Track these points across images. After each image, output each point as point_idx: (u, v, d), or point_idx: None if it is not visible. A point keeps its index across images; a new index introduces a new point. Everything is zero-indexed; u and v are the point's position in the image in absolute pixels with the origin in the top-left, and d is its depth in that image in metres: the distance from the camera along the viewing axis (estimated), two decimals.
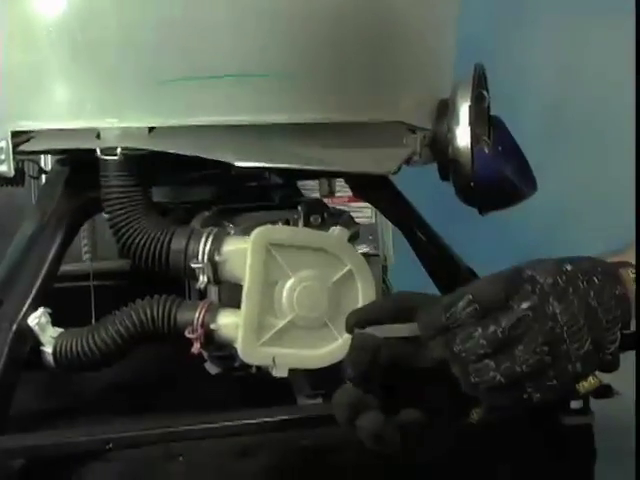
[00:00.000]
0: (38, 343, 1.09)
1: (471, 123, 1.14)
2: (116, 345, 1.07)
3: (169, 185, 1.24)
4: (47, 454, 1.02)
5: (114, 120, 1.06)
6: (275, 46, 1.05)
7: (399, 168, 1.13)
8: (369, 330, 0.83)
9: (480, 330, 0.77)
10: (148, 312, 1.07)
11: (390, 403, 0.81)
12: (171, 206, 1.24)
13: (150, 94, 1.05)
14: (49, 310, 1.10)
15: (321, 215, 1.14)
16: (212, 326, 1.05)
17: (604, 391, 1.14)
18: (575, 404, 1.13)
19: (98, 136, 1.07)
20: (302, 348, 1.05)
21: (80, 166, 1.15)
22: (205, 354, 1.09)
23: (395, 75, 1.13)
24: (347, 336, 1.02)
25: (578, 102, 2.02)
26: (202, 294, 1.12)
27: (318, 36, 1.07)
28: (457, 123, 1.15)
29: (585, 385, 0.79)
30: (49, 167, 1.28)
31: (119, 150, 1.06)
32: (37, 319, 1.09)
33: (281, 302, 1.05)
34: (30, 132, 1.10)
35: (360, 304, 1.06)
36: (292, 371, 1.05)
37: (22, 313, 1.09)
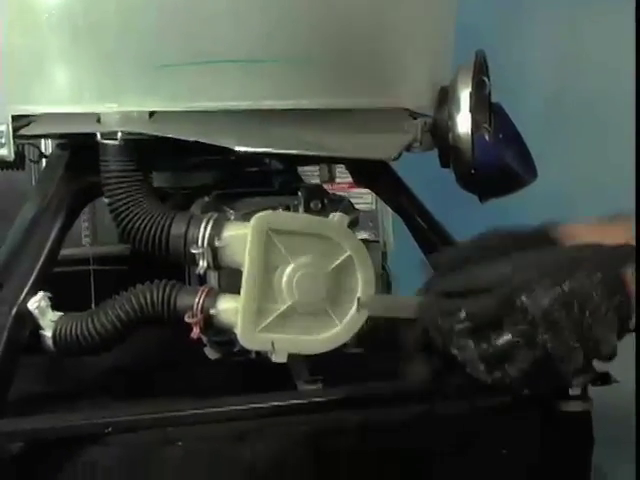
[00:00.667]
0: (38, 327, 1.09)
1: (472, 110, 1.14)
2: (115, 329, 1.07)
3: (169, 170, 1.24)
4: (46, 437, 1.03)
5: (114, 104, 1.06)
6: (276, 32, 1.05)
7: (400, 154, 1.13)
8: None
9: (473, 345, 0.82)
10: (148, 297, 1.07)
11: None
12: (171, 191, 1.24)
13: (150, 79, 1.05)
14: (49, 294, 1.10)
15: (321, 201, 1.14)
16: (212, 311, 1.05)
17: (602, 378, 1.14)
18: (574, 391, 1.14)
19: (98, 120, 1.07)
20: (301, 334, 1.05)
21: (80, 150, 1.15)
22: (204, 339, 1.09)
23: (396, 62, 1.13)
24: (346, 321, 1.03)
25: (578, 90, 2.01)
26: (202, 279, 1.12)
27: (320, 23, 1.07)
28: (458, 110, 1.15)
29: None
30: (49, 151, 1.28)
31: (119, 135, 1.06)
32: (37, 303, 1.09)
33: (280, 288, 1.05)
34: (30, 116, 1.10)
35: (359, 290, 1.06)
36: (291, 356, 1.05)
37: (22, 297, 1.09)
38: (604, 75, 1.98)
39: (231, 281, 1.08)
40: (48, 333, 1.09)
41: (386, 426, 1.09)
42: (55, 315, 1.10)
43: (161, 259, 1.09)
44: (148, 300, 1.07)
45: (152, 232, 1.07)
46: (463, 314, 0.82)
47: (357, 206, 1.21)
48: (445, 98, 1.17)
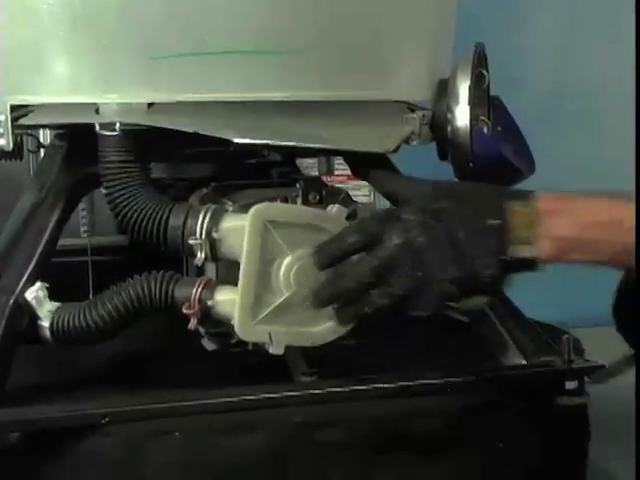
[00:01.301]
0: (35, 317, 1.09)
1: (470, 103, 1.14)
2: (113, 320, 1.07)
3: (168, 161, 1.24)
4: (44, 427, 1.02)
5: (113, 95, 1.06)
6: (275, 24, 1.05)
7: (398, 147, 1.14)
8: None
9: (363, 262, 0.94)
10: (145, 288, 1.07)
11: None
12: (170, 182, 1.24)
13: (149, 70, 1.05)
14: (47, 284, 1.10)
15: (319, 193, 1.14)
16: (209, 303, 1.05)
17: (599, 373, 1.15)
18: (570, 385, 1.14)
19: (97, 111, 1.07)
20: (298, 326, 1.05)
21: (79, 141, 1.15)
22: (202, 330, 1.09)
23: (395, 54, 1.14)
24: None
25: (577, 83, 2.02)
26: (200, 270, 1.12)
27: (318, 15, 1.07)
28: (456, 103, 1.15)
29: (468, 302, 0.96)
30: (48, 141, 1.28)
31: (118, 125, 1.06)
32: (34, 293, 1.09)
33: (278, 280, 1.05)
34: (29, 106, 1.10)
35: None
36: (288, 348, 1.06)
37: (20, 287, 1.09)
38: (603, 68, 1.99)
39: (229, 272, 1.08)
40: (45, 323, 1.08)
41: (382, 419, 1.09)
42: (53, 305, 1.09)
43: (159, 250, 1.09)
44: (146, 291, 1.07)
45: (150, 223, 1.07)
46: (352, 229, 0.97)
47: (355, 198, 1.21)
48: (444, 91, 1.17)
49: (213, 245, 1.06)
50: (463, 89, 1.15)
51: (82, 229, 1.42)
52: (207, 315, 1.05)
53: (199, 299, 1.05)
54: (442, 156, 1.19)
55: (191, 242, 1.06)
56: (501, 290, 0.96)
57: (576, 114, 1.98)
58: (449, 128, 1.15)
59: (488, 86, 1.19)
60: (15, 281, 1.09)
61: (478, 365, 1.15)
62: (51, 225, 1.14)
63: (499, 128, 1.18)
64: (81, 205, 1.37)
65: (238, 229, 1.05)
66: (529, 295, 1.15)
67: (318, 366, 1.12)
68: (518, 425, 1.13)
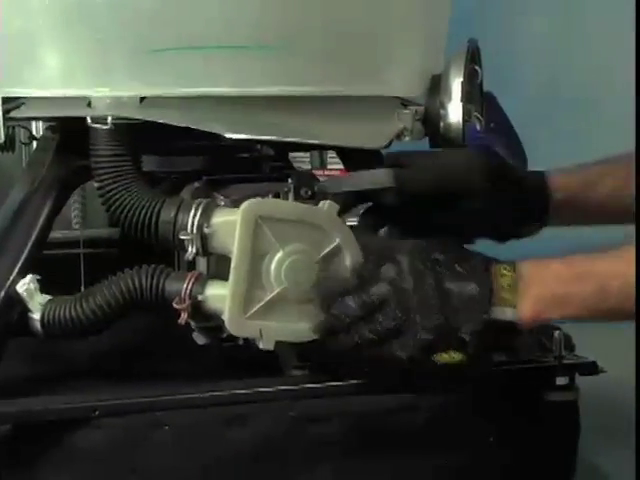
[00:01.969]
0: (26, 310, 1.09)
1: (463, 99, 1.14)
2: (104, 314, 1.07)
3: (159, 154, 1.24)
4: (34, 420, 1.03)
5: (105, 89, 1.05)
6: (266, 18, 1.05)
7: (390, 143, 1.14)
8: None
9: (355, 299, 1.00)
10: (136, 282, 1.07)
11: None
12: (162, 175, 1.24)
13: (142, 63, 1.04)
14: (38, 277, 1.10)
15: (311, 188, 1.13)
16: (200, 297, 1.05)
17: (590, 368, 1.15)
18: (561, 380, 1.14)
19: (89, 104, 1.07)
20: (289, 321, 1.05)
21: (71, 133, 1.15)
22: (193, 324, 1.09)
23: (387, 49, 1.13)
24: None
25: (571, 80, 2.02)
26: (191, 264, 1.12)
27: (309, 9, 1.06)
28: (449, 99, 1.15)
29: (444, 357, 1.01)
30: (40, 133, 1.28)
31: (109, 119, 1.06)
32: (26, 285, 1.09)
33: (269, 275, 1.05)
34: (21, 98, 1.10)
35: None
36: (279, 343, 1.06)
37: (11, 279, 1.09)
38: (598, 65, 1.98)
39: (220, 267, 1.08)
40: (36, 316, 1.08)
41: (373, 414, 1.09)
42: (44, 298, 1.09)
43: (151, 244, 1.09)
44: (136, 285, 1.07)
45: (141, 217, 1.07)
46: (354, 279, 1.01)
47: None
48: (437, 87, 1.16)
49: (204, 240, 1.06)
50: (456, 85, 1.14)
51: (74, 221, 1.42)
52: (198, 310, 1.05)
53: (189, 294, 1.05)
54: None
55: (182, 237, 1.05)
56: (479, 349, 1.00)
57: (569, 111, 1.98)
58: (442, 124, 1.15)
59: (481, 82, 1.19)
60: (6, 273, 1.09)
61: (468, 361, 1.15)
62: (43, 217, 1.13)
63: (492, 124, 1.18)
64: (73, 197, 1.37)
65: (229, 224, 1.04)
66: None
67: (310, 360, 1.13)
68: (508, 420, 1.14)
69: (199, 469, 1.06)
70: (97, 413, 1.03)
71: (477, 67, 1.18)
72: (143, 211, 1.07)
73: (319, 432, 1.08)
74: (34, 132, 1.26)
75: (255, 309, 1.04)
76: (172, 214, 1.06)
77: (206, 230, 1.05)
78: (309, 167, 1.38)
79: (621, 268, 0.99)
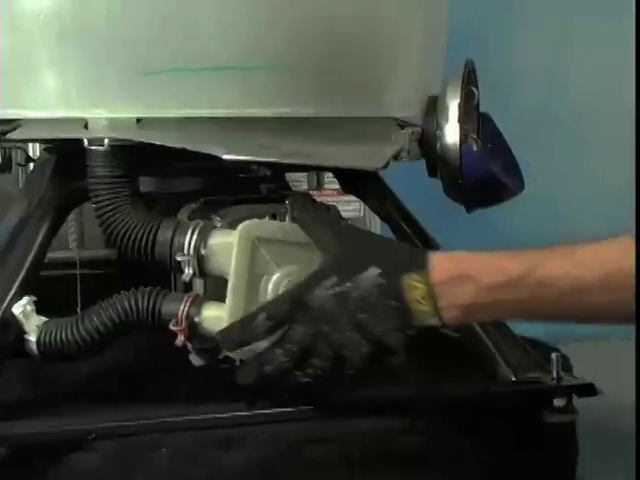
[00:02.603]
0: (22, 331, 1.08)
1: (460, 120, 1.14)
2: (100, 336, 1.07)
3: (156, 176, 1.24)
4: (29, 443, 1.02)
5: (102, 110, 1.06)
6: (264, 41, 1.05)
7: (387, 164, 1.14)
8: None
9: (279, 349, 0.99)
10: (133, 303, 1.07)
11: None
12: (158, 197, 1.24)
13: (138, 85, 1.05)
14: (34, 298, 1.10)
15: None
16: (196, 319, 1.05)
17: (587, 390, 1.15)
18: (559, 402, 1.14)
19: (86, 126, 1.07)
20: None
21: (68, 154, 1.15)
22: (189, 346, 1.08)
23: (384, 71, 1.14)
24: None
25: (567, 100, 2.02)
26: (188, 285, 1.11)
27: (306, 31, 1.07)
28: (446, 120, 1.15)
29: None
30: (37, 154, 1.28)
31: (106, 141, 1.06)
32: (22, 307, 1.08)
33: (266, 296, 1.05)
34: (18, 120, 1.10)
35: None
36: None
37: (7, 301, 1.08)
38: (594, 84, 1.99)
39: (217, 288, 1.08)
40: (32, 338, 1.08)
41: (369, 435, 1.09)
42: (40, 320, 1.09)
43: (147, 265, 1.08)
44: (133, 307, 1.07)
45: (138, 238, 1.07)
46: (263, 315, 0.99)
47: (345, 213, 1.21)
48: (433, 108, 1.17)
49: (201, 261, 1.06)
50: (453, 106, 1.15)
51: (71, 242, 1.42)
52: (194, 331, 1.05)
53: (186, 315, 1.05)
54: (431, 173, 1.19)
55: (179, 258, 1.05)
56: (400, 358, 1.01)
57: (566, 131, 1.99)
58: (438, 145, 1.15)
59: (478, 103, 1.19)
60: (2, 295, 1.09)
61: (466, 381, 1.15)
62: (39, 238, 1.13)
63: (489, 145, 1.18)
64: (70, 218, 1.37)
65: (226, 246, 1.05)
66: None
67: None
68: (506, 442, 1.13)
69: None
70: (93, 436, 1.03)
71: (474, 88, 1.18)
72: (140, 232, 1.07)
73: (316, 454, 1.08)
74: (31, 154, 1.26)
75: None
76: (169, 235, 1.07)
77: (203, 251, 1.05)
78: (306, 188, 1.38)
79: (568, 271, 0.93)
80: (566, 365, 1.17)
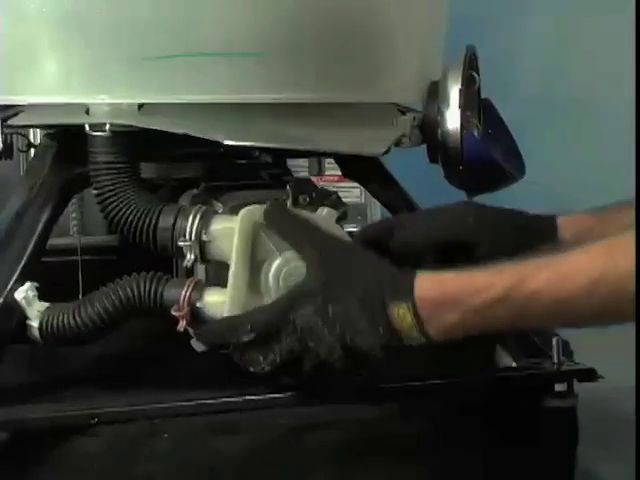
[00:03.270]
0: (24, 317, 1.09)
1: (461, 106, 1.14)
2: (102, 321, 1.07)
3: (158, 161, 1.24)
4: (32, 428, 1.03)
5: (103, 96, 1.06)
6: (265, 25, 1.05)
7: (388, 150, 1.14)
8: None
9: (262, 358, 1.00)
10: (135, 289, 1.07)
11: None
12: (160, 182, 1.24)
13: (140, 70, 1.05)
14: (36, 284, 1.10)
15: (309, 195, 1.13)
16: (198, 304, 1.05)
17: (588, 375, 1.15)
18: (559, 387, 1.14)
19: (87, 112, 1.07)
20: None
21: (69, 140, 1.15)
22: (191, 331, 1.09)
23: (385, 56, 1.13)
24: None
25: (568, 85, 2.02)
26: (189, 271, 1.12)
27: (307, 17, 1.06)
28: (447, 106, 1.15)
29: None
30: (38, 140, 1.28)
31: (108, 126, 1.06)
32: (24, 293, 1.09)
33: (267, 282, 1.05)
34: (19, 106, 1.10)
35: None
36: None
37: (9, 287, 1.09)
38: (594, 70, 1.99)
39: (218, 274, 1.08)
40: (35, 323, 1.08)
41: (369, 421, 1.09)
42: (42, 305, 1.09)
43: (149, 250, 1.09)
44: (135, 292, 1.07)
45: (140, 224, 1.07)
46: (247, 327, 0.99)
47: (346, 199, 1.20)
48: (435, 93, 1.16)
49: (202, 247, 1.06)
50: (454, 92, 1.14)
51: (72, 228, 1.42)
52: (196, 316, 1.05)
53: (188, 301, 1.05)
54: (432, 159, 1.19)
55: (180, 244, 1.06)
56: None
57: (567, 117, 1.99)
58: (439, 131, 1.15)
59: (479, 89, 1.19)
60: (4, 281, 1.09)
61: (466, 367, 1.15)
62: (41, 225, 1.13)
63: (490, 131, 1.18)
64: (71, 204, 1.37)
65: (228, 231, 1.05)
66: None
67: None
68: (506, 427, 1.14)
69: (196, 477, 1.06)
70: (95, 421, 1.03)
71: (475, 74, 1.18)
72: (141, 218, 1.07)
73: (315, 440, 1.08)
74: (32, 139, 1.26)
75: None
76: (170, 221, 1.07)
77: (204, 237, 1.05)
78: (307, 174, 1.37)
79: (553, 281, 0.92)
80: (567, 350, 1.17)
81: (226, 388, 1.09)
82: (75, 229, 1.41)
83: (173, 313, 1.05)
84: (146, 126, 1.05)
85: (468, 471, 1.12)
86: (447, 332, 0.96)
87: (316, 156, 1.31)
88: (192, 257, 1.06)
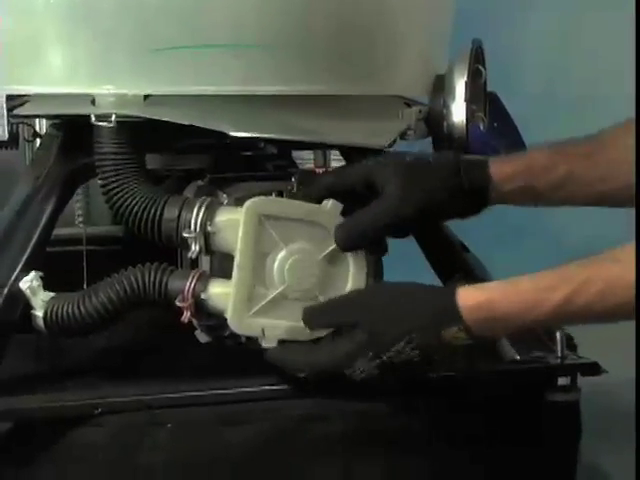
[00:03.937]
0: (29, 307, 1.09)
1: (467, 99, 1.14)
2: (106, 311, 1.07)
3: (163, 153, 1.24)
4: (35, 417, 1.03)
5: (109, 86, 1.06)
6: (270, 16, 1.05)
7: (393, 142, 1.13)
8: None
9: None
10: (139, 279, 1.07)
11: None
12: (165, 173, 1.24)
13: (146, 61, 1.05)
14: (41, 274, 1.10)
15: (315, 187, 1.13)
16: (203, 295, 1.05)
17: (591, 369, 1.15)
18: (563, 381, 1.14)
19: (93, 102, 1.07)
20: (292, 320, 1.06)
21: (75, 131, 1.15)
22: (195, 323, 1.09)
23: (391, 48, 1.13)
24: None
25: (573, 80, 2.02)
26: (194, 262, 1.12)
27: (315, 9, 1.06)
28: (453, 99, 1.15)
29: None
30: (44, 130, 1.28)
31: (114, 117, 1.06)
32: (29, 283, 1.09)
33: (272, 273, 1.05)
34: (25, 96, 1.10)
35: (350, 278, 1.07)
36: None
37: (14, 276, 1.09)
38: (599, 65, 1.99)
39: (223, 265, 1.08)
40: (39, 313, 1.08)
41: (370, 414, 1.09)
42: (47, 295, 1.09)
43: (154, 241, 1.09)
44: (139, 283, 1.07)
45: (145, 215, 1.07)
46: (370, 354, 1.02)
47: None
48: (441, 86, 1.16)
49: (207, 238, 1.06)
50: (460, 85, 1.14)
51: (77, 219, 1.42)
52: (200, 308, 1.06)
53: (192, 292, 1.05)
54: (438, 151, 1.19)
55: (185, 235, 1.06)
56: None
57: (570, 112, 1.99)
58: (445, 124, 1.15)
59: (485, 82, 1.19)
60: (9, 270, 1.09)
61: (469, 360, 1.15)
62: (46, 215, 1.14)
63: (495, 124, 1.18)
64: (76, 195, 1.37)
65: (233, 222, 1.05)
66: None
67: None
68: (510, 421, 1.14)
69: (200, 467, 1.06)
70: (99, 411, 1.03)
71: (481, 67, 1.18)
72: (146, 209, 1.07)
73: (319, 431, 1.08)
74: (38, 129, 1.26)
75: (258, 307, 1.05)
76: (175, 212, 1.07)
77: (209, 228, 1.05)
78: (312, 166, 1.38)
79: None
80: (570, 344, 1.17)
81: (230, 379, 1.09)
82: (80, 219, 1.41)
83: (177, 304, 1.05)
84: (152, 117, 1.05)
85: (471, 464, 1.12)
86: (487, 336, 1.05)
87: (322, 148, 1.31)
88: (197, 248, 1.06)
